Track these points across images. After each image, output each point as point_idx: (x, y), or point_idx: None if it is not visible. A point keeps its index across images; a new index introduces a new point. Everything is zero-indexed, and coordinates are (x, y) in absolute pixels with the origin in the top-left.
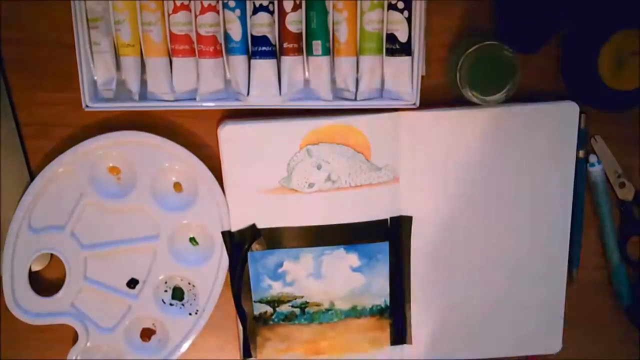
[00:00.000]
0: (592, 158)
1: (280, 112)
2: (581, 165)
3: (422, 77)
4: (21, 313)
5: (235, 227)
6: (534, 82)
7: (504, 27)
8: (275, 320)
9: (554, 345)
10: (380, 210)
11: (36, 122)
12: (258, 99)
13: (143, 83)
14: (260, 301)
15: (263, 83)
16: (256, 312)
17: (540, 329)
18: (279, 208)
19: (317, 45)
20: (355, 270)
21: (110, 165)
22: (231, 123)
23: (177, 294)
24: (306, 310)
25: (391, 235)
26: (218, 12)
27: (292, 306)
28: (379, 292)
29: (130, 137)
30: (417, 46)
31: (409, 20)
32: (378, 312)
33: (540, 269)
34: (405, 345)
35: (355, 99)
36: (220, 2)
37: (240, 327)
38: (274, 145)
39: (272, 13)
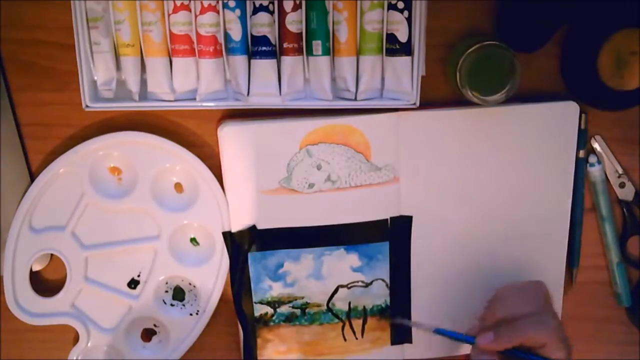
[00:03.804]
0: (592, 158)
1: (280, 112)
2: (581, 165)
3: (422, 77)
4: (22, 313)
5: (235, 228)
6: (534, 82)
7: (504, 27)
8: (276, 321)
9: None
10: (380, 210)
11: (36, 122)
12: (258, 99)
13: (143, 83)
14: (261, 302)
15: (263, 83)
16: (257, 313)
17: None
18: (279, 208)
19: (317, 45)
20: (355, 270)
21: (111, 165)
22: (231, 123)
23: (178, 294)
24: (307, 311)
25: (391, 235)
26: (218, 12)
27: (293, 307)
28: (379, 292)
29: (131, 137)
30: (417, 46)
31: (409, 20)
32: (378, 312)
33: (540, 269)
34: (405, 345)
35: (355, 99)
36: (220, 2)
37: (241, 329)
38: (274, 146)
39: (272, 13)
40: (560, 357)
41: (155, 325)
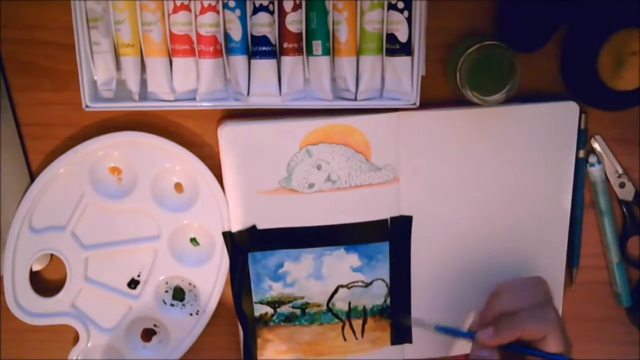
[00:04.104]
0: (592, 158)
1: (280, 112)
2: (581, 165)
3: (422, 77)
4: (22, 313)
5: (235, 228)
6: (534, 82)
7: (504, 26)
8: (276, 321)
9: None
10: (380, 210)
11: (36, 122)
12: (258, 99)
13: (143, 83)
14: (261, 302)
15: (263, 83)
16: (257, 313)
17: None
18: (279, 208)
19: (317, 45)
20: (355, 270)
21: (111, 165)
22: (231, 123)
23: (178, 294)
24: (307, 311)
25: (391, 235)
26: (218, 12)
27: (293, 307)
28: (379, 292)
29: (131, 137)
30: (417, 46)
31: (409, 20)
32: (378, 312)
33: (540, 269)
34: (405, 345)
35: (355, 99)
36: (220, 2)
37: (241, 329)
38: (274, 146)
39: (272, 13)
40: (561, 350)
41: (155, 325)
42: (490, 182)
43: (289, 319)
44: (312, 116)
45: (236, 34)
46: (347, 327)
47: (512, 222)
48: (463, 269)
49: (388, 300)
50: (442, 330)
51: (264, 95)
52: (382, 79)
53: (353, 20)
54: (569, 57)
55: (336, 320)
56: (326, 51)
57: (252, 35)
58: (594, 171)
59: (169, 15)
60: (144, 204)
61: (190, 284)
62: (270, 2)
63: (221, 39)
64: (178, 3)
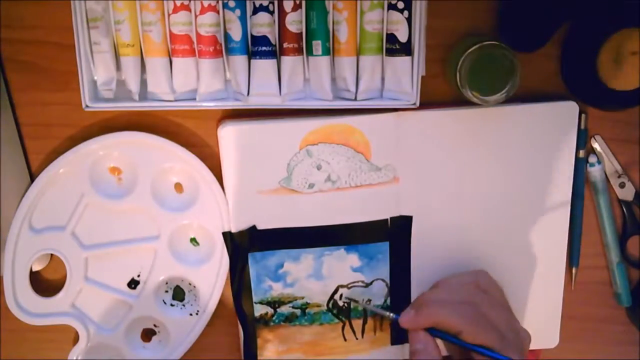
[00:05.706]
0: (592, 158)
1: (280, 112)
2: (581, 165)
3: (422, 77)
4: (22, 313)
5: (235, 228)
6: (534, 82)
7: (504, 26)
8: (276, 321)
9: (552, 341)
10: (380, 210)
11: (36, 122)
12: (258, 99)
13: (143, 83)
14: (261, 302)
15: (263, 83)
16: (257, 313)
17: (538, 328)
18: (279, 209)
19: (317, 45)
20: (355, 270)
21: (111, 165)
22: (231, 123)
23: (178, 294)
24: (307, 311)
25: (391, 235)
26: (218, 12)
27: (293, 307)
28: (379, 292)
29: (131, 137)
30: (417, 46)
31: (409, 20)
32: None
33: (540, 269)
34: (406, 345)
35: (355, 99)
36: (220, 2)
37: (241, 329)
38: (273, 146)
39: (272, 13)
40: (484, 342)
41: (155, 325)
42: (490, 182)
43: (289, 319)
44: (312, 116)
45: (236, 34)
46: (347, 327)
47: (512, 222)
48: (463, 269)
49: (388, 300)
50: (372, 309)
51: (264, 95)
52: (382, 79)
53: (353, 20)
54: (569, 57)
55: (336, 320)
56: (326, 51)
57: (252, 35)
58: (594, 171)
59: (169, 15)
60: (144, 204)
61: (190, 284)
62: (270, 2)
63: (221, 39)
64: (178, 3)
